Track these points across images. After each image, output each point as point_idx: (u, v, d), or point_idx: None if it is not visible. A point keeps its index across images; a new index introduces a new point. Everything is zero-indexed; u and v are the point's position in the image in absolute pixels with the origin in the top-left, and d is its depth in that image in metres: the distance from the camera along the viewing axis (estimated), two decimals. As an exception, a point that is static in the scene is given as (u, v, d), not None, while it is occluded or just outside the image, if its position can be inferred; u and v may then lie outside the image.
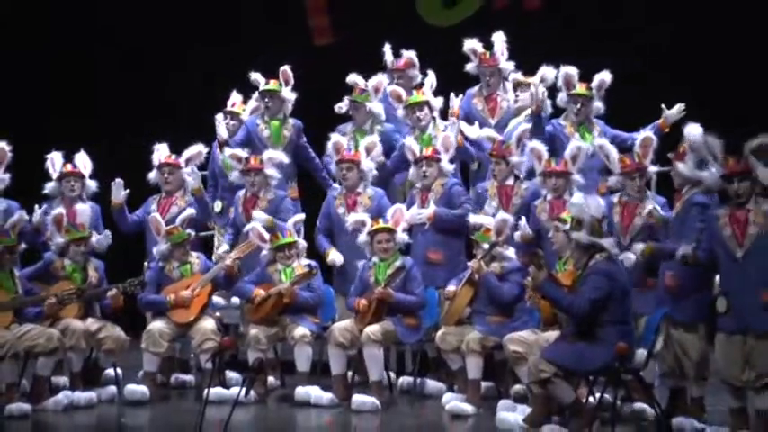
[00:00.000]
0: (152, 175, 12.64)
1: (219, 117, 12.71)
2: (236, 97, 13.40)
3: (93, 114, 16.57)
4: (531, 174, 11.87)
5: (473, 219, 11.53)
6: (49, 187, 12.48)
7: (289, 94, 13.01)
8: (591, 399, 10.18)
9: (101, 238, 12.08)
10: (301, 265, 11.77)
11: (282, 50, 14.16)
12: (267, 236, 11.83)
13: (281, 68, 13.07)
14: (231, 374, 12.08)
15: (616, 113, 12.40)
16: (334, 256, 12.32)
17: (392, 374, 12.09)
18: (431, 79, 12.84)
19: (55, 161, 12.53)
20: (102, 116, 16.57)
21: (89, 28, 17.11)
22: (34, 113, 16.54)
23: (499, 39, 12.88)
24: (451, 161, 12.19)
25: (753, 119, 11.49)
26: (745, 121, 11.92)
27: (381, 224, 11.55)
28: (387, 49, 13.21)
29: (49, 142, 13.46)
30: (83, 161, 12.61)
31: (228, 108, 13.29)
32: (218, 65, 15.88)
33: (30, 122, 16.03)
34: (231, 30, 16.58)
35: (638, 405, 10.49)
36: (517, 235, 11.26)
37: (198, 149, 12.72)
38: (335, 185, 12.59)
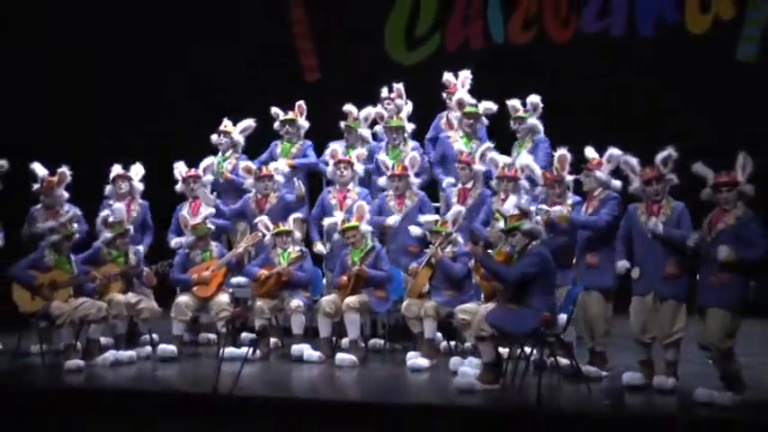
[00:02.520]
0: (178, 187, 12.61)
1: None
2: (227, 122, 13.32)
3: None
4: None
5: (422, 218, 11.68)
6: (107, 190, 12.56)
7: (303, 122, 13.18)
8: (522, 355, 10.42)
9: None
10: (295, 250, 11.88)
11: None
12: (271, 226, 11.93)
13: (297, 103, 13.19)
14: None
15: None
16: (320, 247, 12.53)
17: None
18: (408, 108, 12.98)
19: (113, 171, 12.59)
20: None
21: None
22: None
23: (465, 75, 13.05)
24: (417, 175, 12.37)
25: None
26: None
27: (348, 224, 11.70)
28: (384, 89, 13.33)
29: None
30: (136, 169, 12.67)
31: (221, 128, 13.28)
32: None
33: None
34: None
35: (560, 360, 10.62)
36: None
37: (211, 160, 12.83)
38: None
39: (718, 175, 9.65)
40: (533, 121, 12.36)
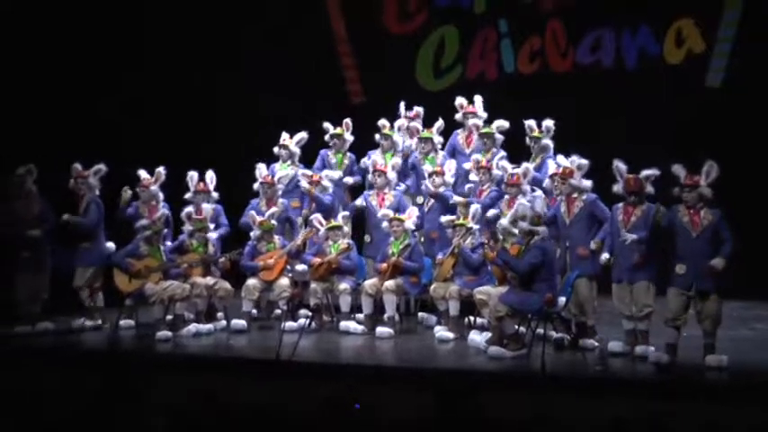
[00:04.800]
0: (256, 186, 12.53)
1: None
2: (285, 135, 13.16)
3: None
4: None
5: (443, 219, 11.59)
6: (188, 195, 12.39)
7: (348, 137, 13.11)
8: (529, 329, 10.42)
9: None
10: (343, 242, 11.90)
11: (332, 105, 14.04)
12: (324, 222, 11.96)
13: (345, 120, 13.11)
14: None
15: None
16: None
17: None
18: (439, 123, 12.87)
19: (194, 177, 12.43)
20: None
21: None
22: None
23: (478, 99, 12.99)
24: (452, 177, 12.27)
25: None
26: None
27: (396, 216, 11.72)
28: (401, 105, 13.25)
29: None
30: (210, 176, 12.52)
31: (281, 142, 13.09)
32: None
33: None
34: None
35: (560, 334, 10.71)
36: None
37: (286, 172, 12.80)
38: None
39: (687, 177, 9.71)
40: (546, 141, 12.23)
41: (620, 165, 10.36)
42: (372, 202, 12.43)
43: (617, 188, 10.34)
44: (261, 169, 12.60)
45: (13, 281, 11.68)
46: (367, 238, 12.56)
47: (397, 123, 13.08)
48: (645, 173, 10.18)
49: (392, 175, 12.45)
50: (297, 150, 13.06)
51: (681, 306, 9.74)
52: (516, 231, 10.51)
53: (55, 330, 11.65)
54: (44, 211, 11.84)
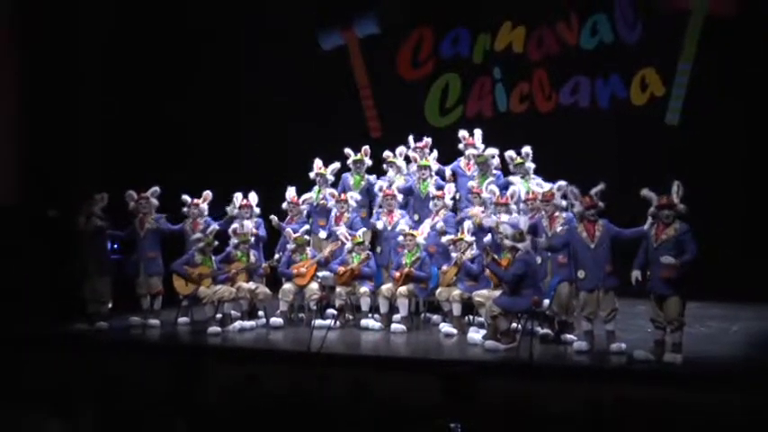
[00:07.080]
0: (284, 205, 12.52)
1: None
2: (318, 162, 12.98)
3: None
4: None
5: (444, 239, 11.50)
6: (234, 212, 12.24)
7: (367, 161, 12.91)
8: (519, 326, 10.38)
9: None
10: (364, 253, 11.87)
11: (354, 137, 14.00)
12: (349, 236, 11.94)
13: (364, 147, 12.97)
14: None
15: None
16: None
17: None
18: (434, 154, 12.91)
19: (239, 197, 12.30)
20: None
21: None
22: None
23: (478, 132, 12.97)
24: (452, 199, 12.24)
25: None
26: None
27: (410, 231, 11.69)
28: (410, 137, 13.13)
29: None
30: (253, 197, 12.39)
31: (317, 170, 12.94)
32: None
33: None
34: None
35: (545, 330, 10.64)
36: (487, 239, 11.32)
37: (310, 195, 12.71)
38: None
39: (660, 198, 9.63)
40: (529, 164, 12.21)
41: (573, 189, 10.28)
42: (383, 218, 12.34)
43: (576, 210, 10.24)
44: (290, 191, 12.60)
45: (81, 283, 11.74)
46: (378, 249, 12.53)
47: (398, 150, 12.98)
48: (594, 189, 10.13)
49: (399, 197, 12.37)
50: (332, 177, 13.02)
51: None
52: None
53: (116, 328, 11.66)
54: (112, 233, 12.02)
